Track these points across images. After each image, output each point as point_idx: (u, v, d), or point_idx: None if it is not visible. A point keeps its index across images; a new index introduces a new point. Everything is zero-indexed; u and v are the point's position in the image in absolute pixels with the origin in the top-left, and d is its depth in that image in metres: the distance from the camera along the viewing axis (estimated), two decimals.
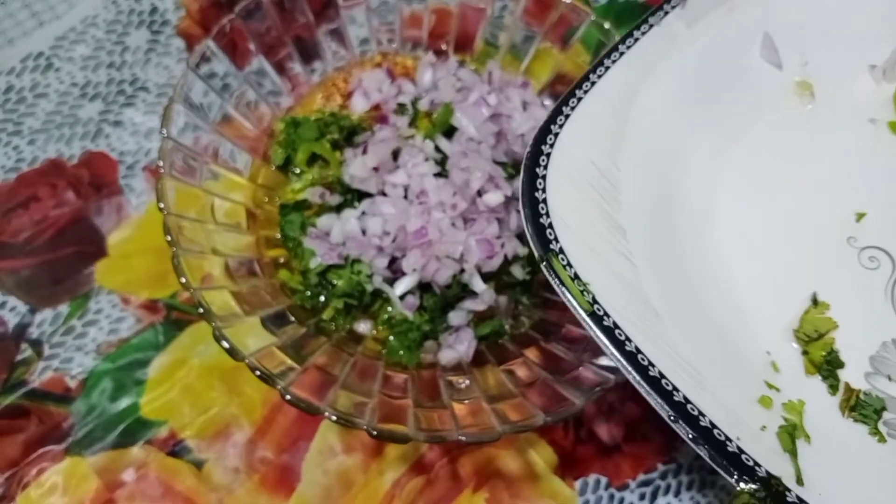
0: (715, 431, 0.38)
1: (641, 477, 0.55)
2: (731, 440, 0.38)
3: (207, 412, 0.54)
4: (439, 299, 0.51)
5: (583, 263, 0.41)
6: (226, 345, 0.44)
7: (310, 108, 0.59)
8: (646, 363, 0.39)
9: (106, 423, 0.54)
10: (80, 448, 0.53)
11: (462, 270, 0.50)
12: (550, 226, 0.42)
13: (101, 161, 0.62)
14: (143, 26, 0.68)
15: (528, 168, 0.44)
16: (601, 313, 0.40)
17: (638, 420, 0.56)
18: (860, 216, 0.48)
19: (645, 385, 0.39)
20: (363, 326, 0.53)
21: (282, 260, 0.54)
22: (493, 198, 0.51)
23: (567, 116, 0.45)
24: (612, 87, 0.47)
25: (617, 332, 0.39)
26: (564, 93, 0.47)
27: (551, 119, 0.45)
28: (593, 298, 0.40)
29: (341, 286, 0.52)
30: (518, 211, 0.52)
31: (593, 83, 0.47)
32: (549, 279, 0.41)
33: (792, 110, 0.51)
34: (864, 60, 0.51)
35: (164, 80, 0.66)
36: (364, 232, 0.52)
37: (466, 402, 0.48)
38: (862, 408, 0.43)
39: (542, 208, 0.42)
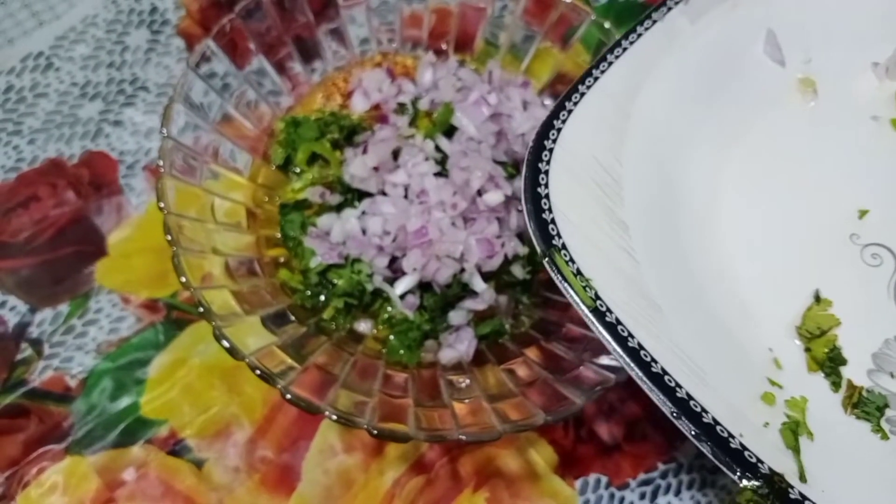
0: (718, 428, 0.38)
1: (642, 476, 0.55)
2: (733, 437, 0.38)
3: (208, 411, 0.54)
4: (439, 299, 0.51)
5: (585, 259, 0.41)
6: (226, 344, 0.44)
7: (310, 107, 0.59)
8: (648, 359, 0.39)
9: (106, 422, 0.54)
10: (81, 447, 0.53)
11: (462, 270, 0.50)
12: (553, 221, 0.42)
13: (102, 161, 0.62)
14: (143, 26, 0.68)
15: (530, 163, 0.44)
16: (604, 309, 0.40)
17: (638, 419, 0.56)
18: (863, 213, 0.48)
19: (647, 381, 0.39)
20: (363, 326, 0.53)
21: (282, 259, 0.54)
22: (494, 197, 0.51)
23: (570, 112, 0.45)
24: (615, 82, 0.47)
25: (620, 328, 0.39)
26: (567, 88, 0.47)
27: (554, 114, 0.45)
28: (596, 294, 0.40)
29: (341, 285, 0.52)
30: (518, 210, 0.53)
31: (596, 79, 0.47)
32: (552, 275, 0.41)
33: (795, 107, 0.51)
34: (867, 58, 0.51)
35: (164, 80, 0.66)
36: (364, 231, 0.52)
37: (467, 401, 0.48)
38: (864, 405, 0.43)
39: (545, 204, 0.42)
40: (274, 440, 0.54)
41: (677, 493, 0.54)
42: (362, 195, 0.53)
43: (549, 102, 0.60)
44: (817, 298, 0.46)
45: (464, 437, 0.44)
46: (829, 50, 0.51)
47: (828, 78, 0.51)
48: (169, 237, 0.46)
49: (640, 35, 0.48)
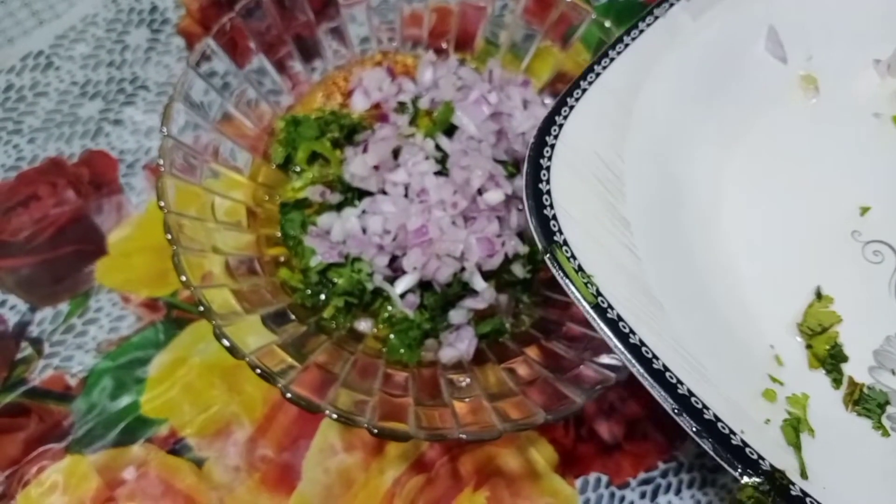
0: (719, 424, 0.38)
1: (642, 475, 0.55)
2: (735, 433, 0.38)
3: (208, 410, 0.54)
4: (440, 298, 0.51)
5: (587, 255, 0.41)
6: (226, 343, 0.44)
7: (310, 106, 0.59)
8: (650, 356, 0.39)
9: (106, 421, 0.54)
10: (81, 446, 0.53)
11: (462, 269, 0.50)
12: (554, 217, 0.42)
13: (102, 160, 0.62)
14: (143, 25, 0.68)
15: (531, 159, 0.43)
16: (605, 305, 0.40)
17: (638, 418, 0.56)
18: (864, 210, 0.48)
19: (649, 378, 0.39)
20: (364, 325, 0.53)
21: (282, 258, 0.54)
22: (494, 196, 0.51)
23: (571, 108, 0.45)
24: (617, 78, 0.47)
25: (621, 324, 0.39)
26: (569, 84, 0.46)
27: (555, 110, 0.45)
28: (597, 290, 0.40)
29: (342, 285, 0.52)
30: (519, 209, 0.53)
31: (598, 74, 0.47)
32: (553, 271, 0.41)
33: (796, 104, 0.51)
34: (869, 55, 0.51)
35: (164, 79, 0.66)
36: (364, 230, 0.52)
37: (467, 400, 0.47)
38: (865, 402, 0.43)
39: (546, 200, 0.42)
40: (274, 439, 0.54)
41: (678, 492, 0.54)
42: (362, 194, 0.53)
43: (550, 101, 0.60)
44: (818, 295, 0.46)
45: (464, 436, 0.44)
46: (831, 47, 0.51)
47: (829, 75, 0.51)
48: (169, 236, 0.46)
49: (641, 31, 0.48)
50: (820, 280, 0.46)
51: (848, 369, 0.44)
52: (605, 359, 0.47)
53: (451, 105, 0.54)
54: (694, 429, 0.38)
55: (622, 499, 0.54)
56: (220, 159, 0.53)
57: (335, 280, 0.52)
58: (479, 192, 0.51)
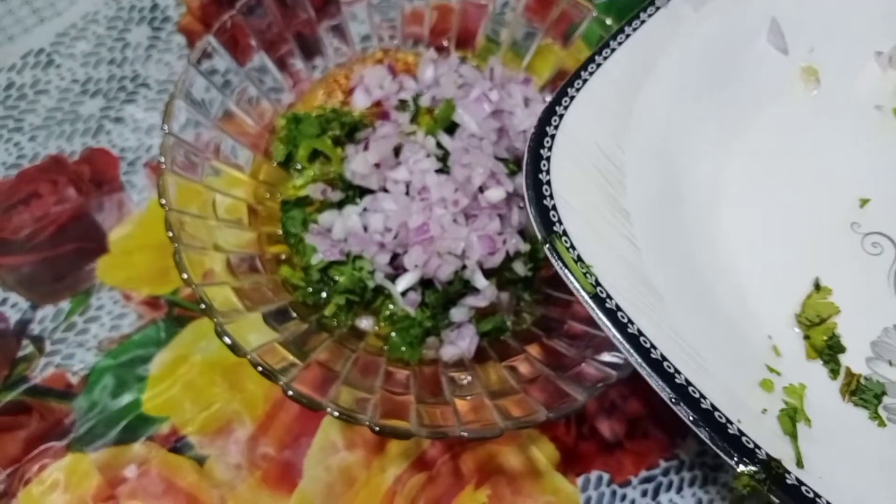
0: (716, 414, 0.38)
1: (643, 473, 0.55)
2: (731, 423, 0.38)
3: (209, 408, 0.54)
4: (441, 296, 0.51)
5: (586, 246, 0.41)
6: (228, 341, 0.44)
7: (311, 104, 0.59)
8: (648, 345, 0.39)
9: (107, 419, 0.54)
10: (82, 444, 0.53)
11: (464, 267, 0.50)
12: (554, 207, 0.42)
13: (103, 157, 0.62)
14: (143, 23, 0.68)
15: (532, 150, 0.43)
16: (604, 295, 0.40)
17: (640, 416, 0.56)
18: (864, 202, 0.48)
19: (647, 367, 0.39)
20: (365, 323, 0.53)
21: (283, 256, 0.54)
22: (495, 194, 0.51)
23: (572, 98, 0.45)
24: (618, 68, 0.47)
25: (619, 314, 0.39)
26: (570, 74, 0.46)
27: (556, 101, 0.45)
28: (596, 280, 0.40)
29: (343, 282, 0.52)
30: (520, 207, 0.53)
31: (599, 65, 0.47)
32: (552, 261, 0.41)
33: (797, 96, 0.51)
34: (870, 48, 0.51)
35: (165, 77, 0.65)
36: (366, 228, 0.51)
37: (468, 398, 0.47)
38: (862, 392, 0.44)
39: (546, 190, 0.42)
40: (275, 437, 0.54)
41: (679, 490, 0.54)
42: (364, 192, 0.53)
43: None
44: (817, 286, 0.46)
45: (465, 434, 0.43)
46: (833, 39, 0.51)
47: (831, 67, 0.51)
48: (170, 234, 0.46)
49: (643, 21, 0.48)
50: (819, 271, 0.46)
51: (845, 360, 0.45)
52: (606, 357, 0.47)
53: (452, 103, 0.54)
54: (691, 418, 0.38)
55: (623, 497, 0.54)
56: (221, 157, 0.53)
57: (336, 278, 0.52)
58: (481, 189, 0.51)
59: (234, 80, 0.55)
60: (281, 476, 0.53)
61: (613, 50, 0.47)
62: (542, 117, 0.44)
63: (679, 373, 0.39)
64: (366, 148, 0.53)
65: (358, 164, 0.52)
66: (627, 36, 0.48)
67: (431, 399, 0.47)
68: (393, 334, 0.52)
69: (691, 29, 0.49)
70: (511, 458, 0.54)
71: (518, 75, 0.60)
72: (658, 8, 0.49)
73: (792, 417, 0.41)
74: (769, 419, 0.40)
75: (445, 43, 0.62)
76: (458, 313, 0.52)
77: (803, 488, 0.38)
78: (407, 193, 0.52)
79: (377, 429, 0.43)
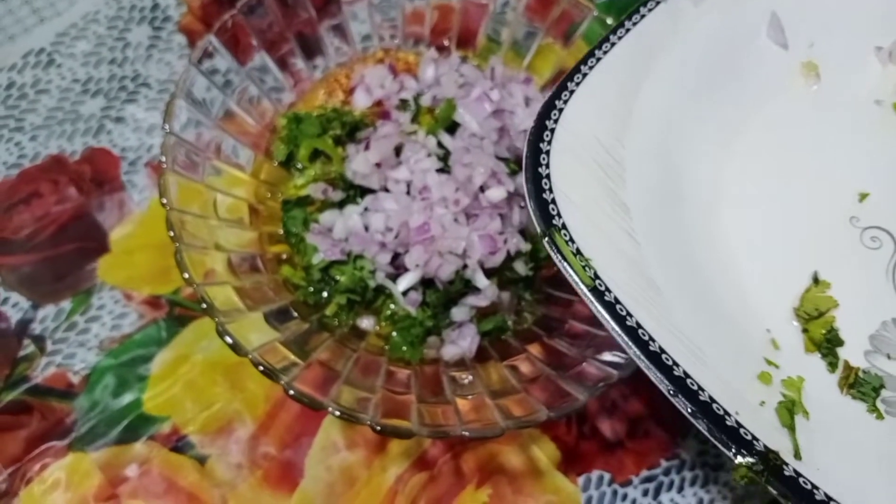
0: (714, 406, 0.38)
1: (644, 473, 0.55)
2: (729, 414, 0.38)
3: (210, 408, 0.54)
4: (442, 295, 0.51)
5: (585, 239, 0.41)
6: (229, 340, 0.44)
7: (312, 103, 0.59)
8: (646, 338, 0.39)
9: (109, 418, 0.54)
10: (83, 444, 0.53)
11: (465, 266, 0.50)
12: (553, 201, 0.42)
13: (103, 157, 0.62)
14: (144, 22, 0.68)
15: (531, 143, 0.43)
16: (603, 288, 0.40)
17: (641, 416, 0.56)
18: (863, 196, 0.48)
19: (645, 360, 0.39)
20: (366, 322, 0.53)
21: (284, 256, 0.54)
22: (496, 193, 0.51)
23: (572, 92, 0.45)
24: (618, 63, 0.47)
25: (618, 307, 0.39)
26: (570, 68, 0.46)
27: (556, 95, 0.45)
28: (595, 274, 0.40)
29: (344, 282, 0.52)
30: (521, 206, 0.53)
31: (599, 59, 0.47)
32: (551, 254, 0.41)
33: (797, 91, 0.51)
34: (870, 43, 0.51)
35: (165, 76, 0.65)
36: (367, 228, 0.51)
37: (469, 397, 0.47)
38: (860, 385, 0.44)
39: (545, 184, 0.42)
40: (276, 437, 0.54)
41: (680, 489, 0.54)
42: (364, 191, 0.53)
43: None
44: (816, 280, 0.46)
45: (467, 434, 0.43)
46: (833, 34, 0.51)
47: (831, 62, 0.51)
48: (171, 233, 0.46)
49: (643, 16, 0.48)
50: (817, 265, 0.46)
51: (843, 353, 0.45)
52: (607, 356, 0.47)
53: (452, 102, 0.54)
54: (689, 409, 0.38)
55: (624, 496, 0.54)
56: (222, 156, 0.53)
57: (337, 277, 0.52)
58: (482, 189, 0.51)
59: (235, 80, 0.55)
60: (282, 475, 0.53)
61: (613, 44, 0.47)
62: (542, 111, 0.44)
63: (677, 365, 0.39)
64: (367, 147, 0.53)
65: (359, 163, 0.52)
66: (627, 30, 0.48)
67: (432, 398, 0.47)
68: (394, 334, 0.52)
69: (691, 24, 0.49)
70: (512, 458, 0.54)
71: (519, 75, 0.60)
72: (658, 3, 0.49)
73: (790, 410, 0.41)
74: (767, 411, 0.40)
75: (446, 42, 0.62)
76: (459, 313, 0.52)
77: (801, 480, 0.38)
78: (408, 193, 0.52)
79: (378, 428, 0.43)
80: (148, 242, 0.59)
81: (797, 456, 0.39)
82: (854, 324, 0.45)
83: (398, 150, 0.53)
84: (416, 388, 0.48)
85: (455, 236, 0.50)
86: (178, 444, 0.53)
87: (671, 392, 0.38)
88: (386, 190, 0.53)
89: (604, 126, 0.45)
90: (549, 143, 0.43)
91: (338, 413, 0.43)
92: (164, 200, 0.47)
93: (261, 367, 0.43)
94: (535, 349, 0.51)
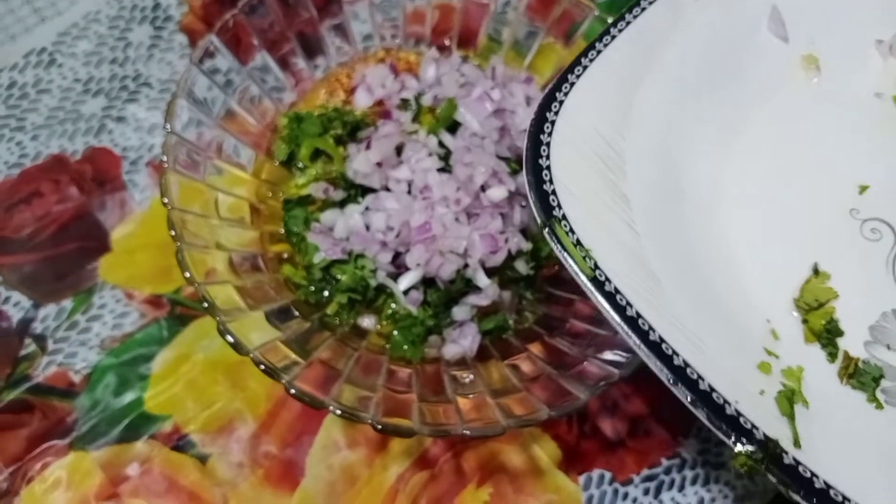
0: (714, 395, 0.38)
1: (645, 472, 0.55)
2: (729, 403, 0.38)
3: (211, 407, 0.54)
4: (443, 294, 0.51)
5: (586, 230, 0.41)
6: (230, 339, 0.44)
7: (313, 103, 0.59)
8: (646, 328, 0.39)
9: (110, 417, 0.54)
10: (84, 443, 0.53)
11: (466, 265, 0.50)
12: (554, 192, 0.42)
13: (105, 156, 0.62)
14: (145, 22, 0.68)
15: (532, 135, 0.44)
16: (603, 279, 0.40)
17: (642, 415, 0.56)
18: (863, 188, 0.48)
19: (645, 349, 0.39)
20: (367, 321, 0.53)
21: (285, 255, 0.54)
22: (497, 193, 0.51)
23: (572, 84, 0.45)
24: (619, 55, 0.47)
25: (618, 297, 0.40)
26: (571, 61, 0.47)
27: (556, 87, 0.45)
28: (595, 264, 0.40)
29: (345, 281, 0.52)
30: (522, 206, 0.53)
31: (599, 52, 0.47)
32: (552, 245, 0.41)
33: (798, 84, 0.51)
34: (871, 36, 0.52)
35: (167, 76, 0.66)
36: (368, 227, 0.52)
37: (470, 396, 0.48)
38: (860, 375, 0.44)
39: (546, 175, 0.42)
40: (278, 435, 0.54)
41: (681, 488, 0.54)
42: (366, 191, 0.53)
43: None
44: (816, 271, 0.46)
45: (468, 432, 0.44)
46: (833, 27, 0.51)
47: (831, 55, 0.51)
48: (172, 232, 0.46)
49: (643, 9, 0.49)
50: (817, 256, 0.47)
51: (843, 344, 0.45)
52: (608, 355, 0.47)
53: (453, 102, 0.54)
54: (689, 398, 0.38)
55: (625, 495, 0.54)
56: (223, 156, 0.53)
57: (338, 277, 0.52)
58: (483, 188, 0.51)
59: (236, 80, 0.55)
60: (283, 474, 0.53)
61: (614, 37, 0.47)
62: (543, 103, 0.45)
63: (677, 354, 0.39)
64: (368, 147, 0.53)
65: (360, 162, 0.52)
66: (628, 23, 0.48)
67: (433, 397, 0.47)
68: (395, 333, 0.52)
69: (692, 17, 0.49)
70: (513, 457, 0.54)
71: (520, 74, 0.60)
72: None
73: (790, 399, 0.41)
74: (767, 400, 0.41)
75: (447, 42, 0.62)
76: (460, 312, 0.52)
77: (800, 468, 0.38)
78: (409, 192, 0.52)
79: (379, 427, 0.43)
80: (149, 242, 0.59)
81: (797, 444, 0.39)
82: (854, 314, 0.45)
83: (399, 150, 0.53)
84: (417, 386, 0.48)
85: (456, 235, 0.50)
86: (179, 443, 0.53)
87: (671, 381, 0.39)
88: (387, 189, 0.53)
89: (604, 118, 0.45)
90: (550, 134, 0.43)
91: (339, 412, 0.43)
92: (166, 200, 0.47)
93: (262, 366, 0.43)
94: (536, 348, 0.51)
